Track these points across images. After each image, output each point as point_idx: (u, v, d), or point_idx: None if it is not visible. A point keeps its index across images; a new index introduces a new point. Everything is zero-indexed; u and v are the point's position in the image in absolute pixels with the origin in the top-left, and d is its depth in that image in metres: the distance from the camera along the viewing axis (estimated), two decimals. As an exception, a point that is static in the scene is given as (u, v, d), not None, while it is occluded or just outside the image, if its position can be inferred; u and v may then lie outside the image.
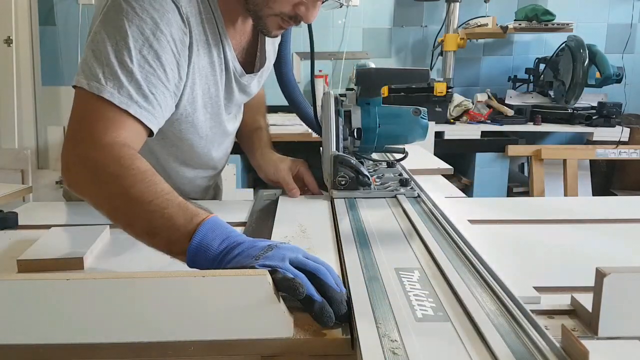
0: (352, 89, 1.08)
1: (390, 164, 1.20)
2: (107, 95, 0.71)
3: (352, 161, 0.98)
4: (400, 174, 1.12)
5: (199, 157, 1.04)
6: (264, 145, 1.13)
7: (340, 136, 1.03)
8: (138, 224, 0.65)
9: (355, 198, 0.98)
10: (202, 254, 0.59)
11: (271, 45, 1.06)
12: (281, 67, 1.12)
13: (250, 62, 1.02)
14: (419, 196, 0.99)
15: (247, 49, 1.00)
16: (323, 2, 0.89)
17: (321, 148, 1.09)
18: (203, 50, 0.86)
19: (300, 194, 1.05)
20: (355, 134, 1.04)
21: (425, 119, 1.06)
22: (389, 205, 0.95)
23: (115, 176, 0.66)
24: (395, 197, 0.99)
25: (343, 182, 0.98)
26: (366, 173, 0.99)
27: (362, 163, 1.04)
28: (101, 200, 0.68)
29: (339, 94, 1.08)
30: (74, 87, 0.74)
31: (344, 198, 0.98)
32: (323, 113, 1.02)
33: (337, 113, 1.03)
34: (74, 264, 0.71)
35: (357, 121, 1.04)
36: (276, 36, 0.95)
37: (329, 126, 1.00)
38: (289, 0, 0.85)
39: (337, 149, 1.01)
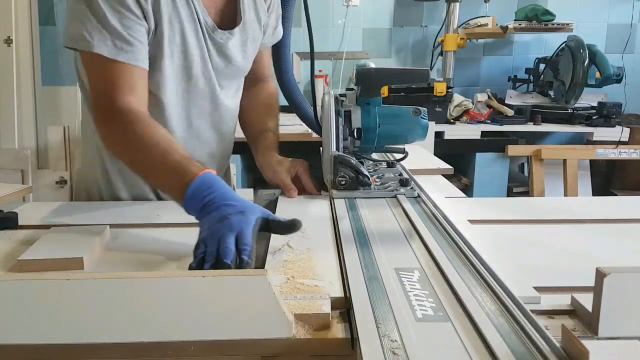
0: (352, 89, 1.08)
1: (390, 164, 1.20)
2: (96, 50, 0.86)
3: (352, 161, 0.98)
4: (400, 174, 1.12)
5: (178, 125, 1.04)
6: (267, 147, 1.13)
7: (340, 136, 1.03)
8: (150, 181, 0.90)
9: (355, 198, 0.98)
10: (189, 212, 0.75)
11: (252, 9, 1.05)
12: (281, 67, 1.13)
13: (229, 22, 1.03)
14: (419, 196, 0.99)
15: (223, 9, 1.02)
16: None
17: (321, 148, 1.09)
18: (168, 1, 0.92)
19: (300, 195, 1.05)
20: (355, 134, 1.04)
21: (426, 119, 1.06)
22: (389, 205, 0.95)
23: (132, 145, 0.85)
24: (395, 197, 0.99)
25: (343, 182, 0.98)
26: (366, 173, 0.99)
27: (362, 163, 1.04)
28: (128, 164, 0.88)
29: (339, 94, 1.08)
30: (73, 49, 0.90)
31: (344, 198, 0.98)
32: (323, 113, 1.03)
33: (337, 113, 1.03)
34: (74, 264, 0.71)
35: (357, 121, 1.04)
36: None
37: (329, 126, 1.00)
38: None
39: (337, 149, 1.01)
